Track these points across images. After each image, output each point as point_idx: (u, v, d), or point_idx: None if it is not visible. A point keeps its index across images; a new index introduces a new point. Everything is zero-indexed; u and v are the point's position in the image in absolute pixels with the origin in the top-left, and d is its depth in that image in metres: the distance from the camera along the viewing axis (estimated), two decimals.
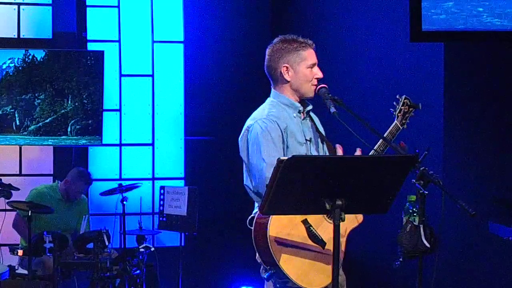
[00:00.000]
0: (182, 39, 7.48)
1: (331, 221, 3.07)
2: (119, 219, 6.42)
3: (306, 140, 3.71)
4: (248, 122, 3.70)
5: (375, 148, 3.67)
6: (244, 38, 7.65)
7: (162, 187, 6.84)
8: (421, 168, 3.47)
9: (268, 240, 3.38)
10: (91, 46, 7.28)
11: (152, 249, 6.34)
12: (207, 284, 7.35)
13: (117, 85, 7.37)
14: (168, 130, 7.49)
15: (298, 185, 2.96)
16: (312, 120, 3.82)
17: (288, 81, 3.71)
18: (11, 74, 6.91)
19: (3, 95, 6.92)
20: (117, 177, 7.31)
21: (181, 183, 7.43)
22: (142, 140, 7.45)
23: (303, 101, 3.77)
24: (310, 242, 3.45)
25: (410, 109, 3.83)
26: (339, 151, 3.75)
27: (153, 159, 7.45)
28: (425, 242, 3.59)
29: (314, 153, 3.73)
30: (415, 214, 3.71)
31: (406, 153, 3.53)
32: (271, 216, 3.39)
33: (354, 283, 4.05)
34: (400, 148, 3.60)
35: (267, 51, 3.76)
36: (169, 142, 7.49)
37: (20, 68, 6.91)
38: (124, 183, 6.71)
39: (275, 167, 2.92)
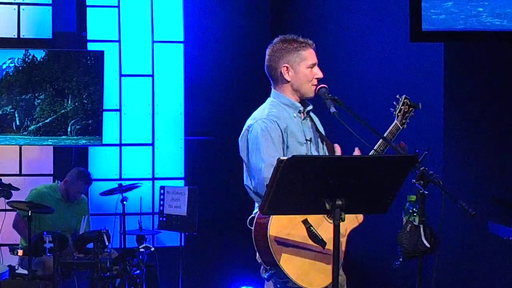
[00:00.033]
0: (182, 39, 7.48)
1: (331, 221, 3.07)
2: (119, 219, 6.42)
3: (306, 140, 3.71)
4: (248, 122, 3.70)
5: (375, 148, 3.67)
6: (244, 38, 7.65)
7: (162, 187, 6.84)
8: (421, 168, 3.47)
9: (269, 240, 3.38)
10: (91, 46, 7.28)
11: (152, 249, 6.34)
12: (207, 284, 7.35)
13: (117, 85, 7.37)
14: (168, 130, 7.49)
15: (298, 185, 2.96)
16: (312, 120, 3.83)
17: (288, 81, 3.71)
18: (11, 74, 6.91)
19: (3, 95, 6.92)
20: (117, 177, 7.31)
21: (181, 183, 7.43)
22: (142, 140, 7.45)
23: (303, 101, 3.77)
24: (310, 242, 3.45)
25: (410, 108, 3.83)
26: (337, 151, 3.75)
27: (153, 159, 7.45)
28: (425, 242, 3.59)
29: (314, 153, 3.74)
30: (415, 214, 3.71)
31: (406, 153, 3.53)
32: (271, 216, 3.39)
33: (354, 283, 4.05)
34: (400, 148, 3.60)
35: (267, 51, 3.76)
36: (169, 142, 7.49)
37: (20, 68, 6.91)
38: (124, 183, 6.71)
39: (275, 167, 2.92)
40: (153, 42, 7.43)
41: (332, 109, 3.54)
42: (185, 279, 6.69)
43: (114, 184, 6.65)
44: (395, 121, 3.80)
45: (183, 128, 7.50)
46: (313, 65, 3.71)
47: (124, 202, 6.34)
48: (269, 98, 3.79)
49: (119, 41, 7.36)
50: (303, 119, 3.76)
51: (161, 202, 6.76)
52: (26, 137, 6.97)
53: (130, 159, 7.39)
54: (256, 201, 3.65)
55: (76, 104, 7.00)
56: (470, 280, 5.19)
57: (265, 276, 3.53)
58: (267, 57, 3.76)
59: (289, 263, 3.41)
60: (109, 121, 7.27)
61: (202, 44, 7.59)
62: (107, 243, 6.00)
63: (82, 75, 6.99)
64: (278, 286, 3.54)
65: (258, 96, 3.96)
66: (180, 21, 7.46)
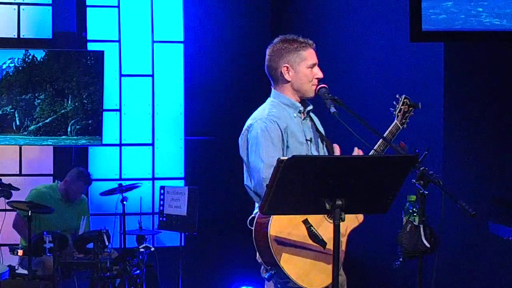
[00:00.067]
0: (182, 39, 7.48)
1: (331, 221, 3.07)
2: (119, 219, 6.43)
3: (306, 140, 3.72)
4: (249, 121, 3.70)
5: (375, 148, 3.67)
6: (244, 38, 7.65)
7: (162, 187, 6.84)
8: (421, 168, 3.47)
9: (269, 240, 3.38)
10: (91, 46, 7.28)
11: (152, 249, 6.34)
12: (207, 284, 7.35)
13: (117, 85, 7.37)
14: (168, 130, 7.49)
15: (298, 185, 2.96)
16: (312, 120, 3.83)
17: (289, 81, 3.71)
18: (11, 74, 6.91)
19: (3, 95, 6.92)
20: (117, 177, 7.31)
21: (181, 183, 7.43)
22: (142, 140, 7.45)
23: (303, 101, 3.77)
24: (310, 242, 3.45)
25: (410, 108, 3.83)
26: (337, 151, 3.75)
27: (153, 159, 7.45)
28: (425, 242, 3.59)
29: (315, 153, 3.74)
30: (415, 214, 3.71)
31: (406, 153, 3.53)
32: (271, 216, 3.39)
33: (354, 283, 4.05)
34: (400, 148, 3.60)
35: (268, 51, 3.76)
36: (169, 142, 7.49)
37: (20, 68, 6.91)
38: (124, 183, 6.71)
39: (275, 167, 2.92)
40: (153, 42, 7.43)
41: (332, 109, 3.54)
42: (185, 279, 6.69)
43: (114, 184, 6.65)
44: (395, 121, 3.81)
45: (183, 128, 7.50)
46: (313, 65, 3.72)
47: (124, 202, 6.34)
48: (269, 98, 3.79)
49: (119, 41, 7.36)
50: (303, 119, 3.76)
51: (161, 202, 6.76)
52: (26, 137, 6.97)
53: (130, 159, 7.40)
54: (256, 201, 3.65)
55: (76, 104, 7.00)
56: (470, 280, 5.19)
57: (266, 276, 3.53)
58: (267, 57, 3.76)
59: (290, 263, 3.41)
60: (109, 121, 7.28)
61: (202, 44, 7.59)
62: (107, 243, 6.00)
63: (82, 75, 6.99)
64: (279, 286, 3.54)
65: (258, 96, 3.96)
66: (180, 21, 7.46)
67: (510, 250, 4.89)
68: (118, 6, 7.37)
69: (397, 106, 3.83)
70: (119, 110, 7.38)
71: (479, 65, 5.23)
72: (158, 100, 7.45)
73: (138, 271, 6.21)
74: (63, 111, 7.00)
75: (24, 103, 6.95)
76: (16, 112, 6.95)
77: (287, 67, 3.69)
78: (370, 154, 3.65)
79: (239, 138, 3.72)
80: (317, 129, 3.82)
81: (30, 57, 6.91)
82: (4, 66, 6.89)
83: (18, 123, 6.96)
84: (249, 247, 3.57)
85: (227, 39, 7.67)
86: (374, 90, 5.88)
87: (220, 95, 7.60)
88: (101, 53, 7.03)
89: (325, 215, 3.45)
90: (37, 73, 6.94)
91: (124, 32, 7.37)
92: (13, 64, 6.90)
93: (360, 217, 3.68)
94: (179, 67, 7.47)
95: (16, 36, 7.13)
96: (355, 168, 3.01)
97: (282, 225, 3.40)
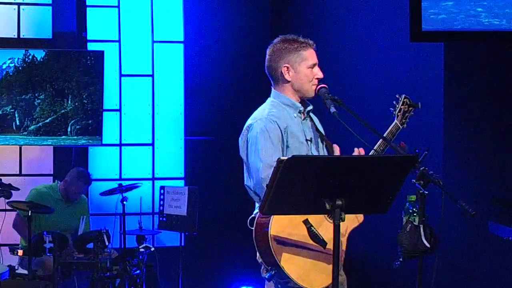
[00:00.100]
0: (182, 39, 7.48)
1: (331, 221, 3.07)
2: (119, 219, 6.43)
3: (306, 140, 3.72)
4: (249, 121, 3.71)
5: (375, 148, 3.67)
6: (244, 38, 7.65)
7: (162, 187, 6.84)
8: (421, 168, 3.47)
9: (269, 240, 3.38)
10: (91, 46, 7.28)
11: (152, 249, 6.34)
12: (207, 284, 7.35)
13: (117, 85, 7.37)
14: (168, 130, 7.49)
15: (298, 185, 2.96)
16: (312, 120, 3.83)
17: (289, 81, 3.72)
18: (11, 74, 6.91)
19: (3, 95, 6.92)
20: (117, 177, 7.31)
21: (181, 183, 7.43)
22: (142, 140, 7.45)
23: (304, 101, 3.77)
24: (311, 242, 3.45)
25: (410, 108, 3.83)
26: (336, 152, 3.75)
27: (153, 159, 7.45)
28: (425, 242, 3.59)
29: (315, 153, 3.74)
30: (415, 214, 3.71)
31: (406, 153, 3.53)
32: (272, 216, 3.39)
33: (354, 283, 4.05)
34: (400, 148, 3.60)
35: (268, 51, 3.76)
36: (169, 142, 7.49)
37: (20, 68, 6.91)
38: (124, 183, 6.71)
39: (275, 167, 2.92)
40: (153, 42, 7.43)
41: (332, 109, 3.54)
42: (185, 279, 6.69)
43: (114, 184, 6.65)
44: (395, 120, 3.81)
45: (183, 128, 7.50)
46: (314, 65, 3.72)
47: (124, 202, 6.34)
48: (269, 98, 3.79)
49: (119, 41, 7.36)
50: (303, 119, 3.76)
51: (161, 202, 6.76)
52: (26, 137, 6.97)
53: (130, 159, 7.39)
54: (256, 201, 3.65)
55: (76, 104, 7.00)
56: (470, 280, 5.19)
57: (266, 277, 3.53)
58: (267, 57, 3.76)
59: (290, 263, 3.41)
60: (109, 121, 7.28)
61: (202, 44, 7.60)
62: (107, 243, 6.00)
63: (82, 75, 6.99)
64: (279, 286, 3.54)
65: (258, 96, 3.97)
66: (180, 21, 7.46)
67: (510, 250, 4.89)
68: (118, 6, 7.37)
69: (397, 106, 3.84)
70: (119, 110, 7.38)
71: (479, 65, 5.23)
72: (158, 100, 7.45)
73: (138, 271, 6.21)
74: (63, 111, 7.00)
75: (24, 103, 6.95)
76: (16, 112, 6.95)
77: (288, 67, 3.69)
78: (370, 154, 3.65)
79: (239, 138, 3.72)
80: (317, 129, 3.82)
81: (30, 57, 6.91)
82: (4, 66, 6.89)
83: (18, 123, 6.96)
84: (249, 247, 3.58)
85: (227, 39, 7.67)
86: (374, 90, 5.88)
87: (220, 95, 7.60)
88: (101, 53, 7.03)
89: (325, 215, 3.45)
90: (37, 73, 6.94)
91: (124, 32, 7.37)
92: (13, 64, 6.90)
93: (360, 217, 3.68)
94: (179, 67, 7.47)
95: (16, 36, 7.13)
96: (355, 168, 3.01)
97: (283, 225, 3.40)
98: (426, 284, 3.64)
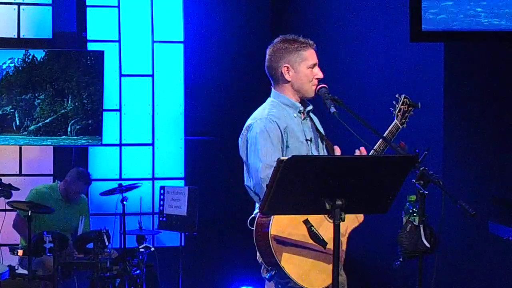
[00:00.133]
0: (182, 39, 7.48)
1: (332, 221, 3.07)
2: (119, 219, 6.43)
3: (306, 140, 3.72)
4: (248, 121, 3.71)
5: (375, 148, 3.67)
6: (244, 38, 7.65)
7: (162, 187, 6.84)
8: (421, 168, 3.47)
9: (270, 240, 3.38)
10: (91, 46, 7.28)
11: (152, 249, 6.34)
12: (207, 284, 7.35)
13: (117, 85, 7.37)
14: (168, 130, 7.49)
15: (298, 185, 2.96)
16: (312, 120, 3.83)
17: (289, 81, 3.72)
18: (11, 74, 6.91)
19: (3, 95, 6.92)
20: (117, 177, 7.31)
21: (181, 183, 7.43)
22: (142, 140, 7.45)
23: (303, 101, 3.77)
24: (311, 242, 3.45)
25: (410, 108, 3.83)
26: (337, 153, 3.75)
27: (153, 159, 7.45)
28: (425, 242, 3.59)
29: (315, 153, 3.74)
30: (415, 214, 3.71)
31: (406, 153, 3.53)
32: (272, 216, 3.39)
33: (354, 283, 4.05)
34: (400, 148, 3.60)
35: (268, 51, 3.76)
36: (169, 142, 7.49)
37: (20, 68, 6.92)
38: (124, 183, 6.71)
39: (275, 167, 2.92)
40: (153, 42, 7.43)
41: (332, 109, 3.54)
42: (185, 279, 6.69)
43: (114, 184, 6.65)
44: (395, 120, 3.81)
45: (183, 128, 7.50)
46: (314, 65, 3.72)
47: (124, 202, 6.34)
48: (269, 98, 3.79)
49: (119, 41, 7.36)
50: (303, 119, 3.76)
51: (161, 202, 6.76)
52: (26, 137, 6.97)
53: (130, 159, 7.39)
54: (256, 201, 3.65)
55: (76, 104, 7.00)
56: (470, 280, 5.19)
57: (266, 277, 3.53)
58: (267, 57, 3.76)
59: (290, 263, 3.41)
60: (109, 121, 7.28)
61: (202, 44, 7.59)
62: (107, 243, 6.00)
63: (82, 75, 6.99)
64: (279, 286, 3.54)
65: (258, 96, 3.97)
66: (180, 21, 7.46)
67: (510, 250, 4.89)
68: (118, 6, 7.37)
69: (397, 105, 3.84)
70: (119, 110, 7.38)
71: (479, 65, 5.23)
72: (158, 100, 7.45)
73: (138, 271, 6.21)
74: (63, 111, 7.00)
75: (24, 103, 6.95)
76: (16, 112, 6.95)
77: (288, 67, 3.69)
78: (370, 154, 3.65)
79: (239, 138, 3.72)
80: (317, 129, 3.83)
81: (30, 57, 6.91)
82: (4, 66, 6.89)
83: (18, 123, 6.96)
84: (249, 247, 3.57)
85: (227, 39, 7.67)
86: (374, 90, 5.88)
87: (220, 95, 7.60)
88: (101, 53, 7.03)
89: (326, 215, 3.45)
90: (37, 73, 6.94)
91: (124, 32, 7.37)
92: (13, 64, 6.90)
93: (360, 217, 3.68)
94: (179, 67, 7.47)
95: (16, 36, 7.13)
96: (355, 168, 3.01)
97: (283, 225, 3.40)
98: (426, 284, 3.64)
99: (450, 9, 4.94)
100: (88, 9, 7.30)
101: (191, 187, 6.66)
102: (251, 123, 3.66)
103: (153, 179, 7.43)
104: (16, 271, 6.08)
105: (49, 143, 7.02)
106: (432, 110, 5.08)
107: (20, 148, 7.12)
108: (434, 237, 3.63)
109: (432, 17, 4.92)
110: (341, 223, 3.01)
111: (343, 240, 3.60)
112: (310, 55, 3.71)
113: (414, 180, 3.49)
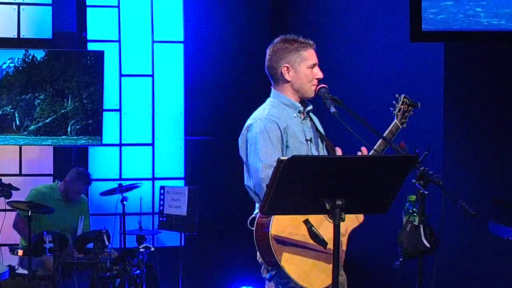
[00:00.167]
0: (182, 39, 7.48)
1: (332, 221, 3.07)
2: (119, 219, 6.43)
3: (306, 140, 3.72)
4: (248, 121, 3.71)
5: (375, 148, 3.67)
6: (244, 38, 7.65)
7: (162, 187, 6.84)
8: (421, 168, 3.47)
9: (270, 240, 3.38)
10: (91, 46, 7.28)
11: (152, 249, 6.34)
12: (207, 284, 7.35)
13: (117, 85, 7.37)
14: (168, 130, 7.49)
15: (298, 185, 2.96)
16: (311, 120, 3.83)
17: (289, 81, 3.72)
18: (11, 74, 6.91)
19: (3, 95, 6.92)
20: (117, 177, 7.31)
21: (181, 183, 7.43)
22: (142, 140, 7.45)
23: (303, 101, 3.77)
24: (311, 242, 3.45)
25: (410, 108, 3.84)
26: (338, 153, 3.75)
27: (153, 159, 7.45)
28: (425, 242, 3.59)
29: (315, 153, 3.74)
30: (415, 214, 3.71)
31: (406, 153, 3.53)
32: (272, 216, 3.39)
33: (354, 283, 4.05)
34: (400, 148, 3.60)
35: (268, 51, 3.76)
36: (169, 142, 7.49)
37: (20, 68, 6.92)
38: (124, 183, 6.71)
39: (275, 167, 2.92)
40: (153, 42, 7.43)
41: (332, 109, 3.54)
42: (185, 279, 6.69)
43: (114, 184, 6.66)
44: (395, 120, 3.81)
45: (183, 128, 7.50)
46: (314, 65, 3.72)
47: (124, 202, 6.34)
48: (269, 98, 3.79)
49: (119, 41, 7.36)
50: (303, 119, 3.76)
51: (161, 202, 6.76)
52: (26, 137, 6.97)
53: (130, 159, 7.39)
54: (256, 201, 3.65)
55: (76, 104, 7.00)
56: (470, 280, 5.19)
57: (267, 277, 3.53)
58: (267, 57, 3.76)
59: (291, 263, 3.41)
60: (109, 121, 7.28)
61: (202, 44, 7.59)
62: (107, 243, 6.00)
63: (82, 75, 6.99)
64: (280, 286, 3.54)
65: (258, 96, 3.97)
66: (180, 21, 7.46)
67: (510, 250, 4.89)
68: (118, 6, 7.37)
69: (397, 105, 3.84)
70: (119, 110, 7.38)
71: (479, 65, 5.23)
72: (158, 100, 7.45)
73: (138, 271, 6.21)
74: (63, 111, 7.00)
75: (24, 103, 6.95)
76: (16, 112, 6.95)
77: (288, 67, 3.70)
78: (370, 154, 3.65)
79: (239, 138, 3.72)
80: (317, 129, 3.83)
81: (30, 57, 6.91)
82: (4, 66, 6.89)
83: (18, 123, 6.96)
84: (249, 247, 3.58)
85: (227, 39, 7.67)
86: (374, 90, 5.88)
87: (220, 95, 7.60)
88: (101, 53, 7.03)
89: (326, 215, 3.45)
90: (37, 73, 6.94)
91: (124, 32, 7.37)
92: (13, 64, 6.90)
93: (360, 217, 3.68)
94: (179, 67, 7.47)
95: (16, 36, 7.13)
96: (355, 168, 3.01)
97: (283, 225, 3.41)
98: (426, 284, 3.64)
99: (450, 9, 4.94)
100: (88, 9, 7.30)
101: (191, 187, 6.66)
102: (251, 123, 3.66)
103: (153, 179, 7.43)
104: (16, 271, 6.08)
105: (49, 143, 7.02)
106: (432, 110, 5.08)
107: (20, 148, 7.12)
108: (434, 237, 3.63)
109: (432, 17, 4.92)
110: (341, 223, 3.01)
111: (343, 240, 3.60)
112: (310, 55, 3.71)
113: (414, 180, 3.49)
